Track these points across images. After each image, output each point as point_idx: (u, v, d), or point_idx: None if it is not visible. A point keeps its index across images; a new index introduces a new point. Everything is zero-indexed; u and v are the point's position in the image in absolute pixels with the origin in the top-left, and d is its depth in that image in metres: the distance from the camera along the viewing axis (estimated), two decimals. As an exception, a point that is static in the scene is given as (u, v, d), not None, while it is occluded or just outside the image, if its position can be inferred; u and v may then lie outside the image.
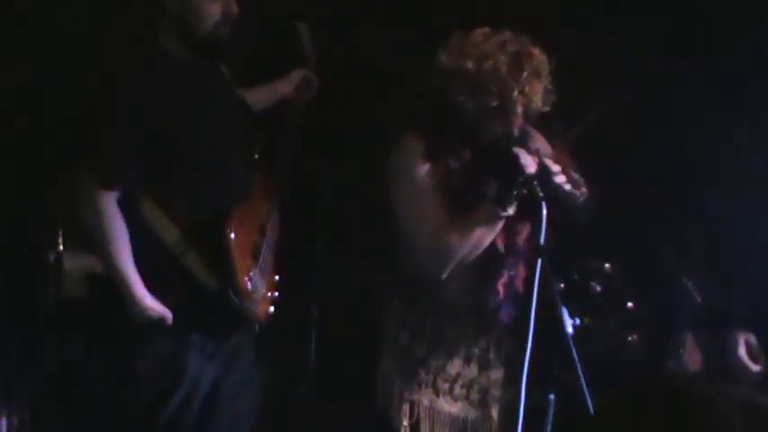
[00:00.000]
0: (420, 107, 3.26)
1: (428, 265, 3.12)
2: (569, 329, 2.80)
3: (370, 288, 4.43)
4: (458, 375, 3.20)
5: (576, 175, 3.17)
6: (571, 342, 2.76)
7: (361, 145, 4.72)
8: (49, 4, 4.39)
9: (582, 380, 2.71)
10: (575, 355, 2.74)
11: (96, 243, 3.12)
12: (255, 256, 3.24)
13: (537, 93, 3.05)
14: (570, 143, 3.42)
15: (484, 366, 3.21)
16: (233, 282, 3.11)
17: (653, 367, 4.26)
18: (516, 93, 3.04)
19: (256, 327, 3.31)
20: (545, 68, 3.07)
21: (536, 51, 3.08)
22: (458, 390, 3.21)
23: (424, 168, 3.10)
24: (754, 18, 4.63)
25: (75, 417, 4.00)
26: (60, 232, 3.98)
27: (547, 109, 3.12)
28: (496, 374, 3.21)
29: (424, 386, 3.19)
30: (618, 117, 4.44)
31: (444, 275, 3.11)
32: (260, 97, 3.56)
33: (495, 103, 3.06)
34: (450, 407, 3.21)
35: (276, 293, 3.37)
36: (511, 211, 3.01)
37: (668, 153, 4.62)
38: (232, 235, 3.09)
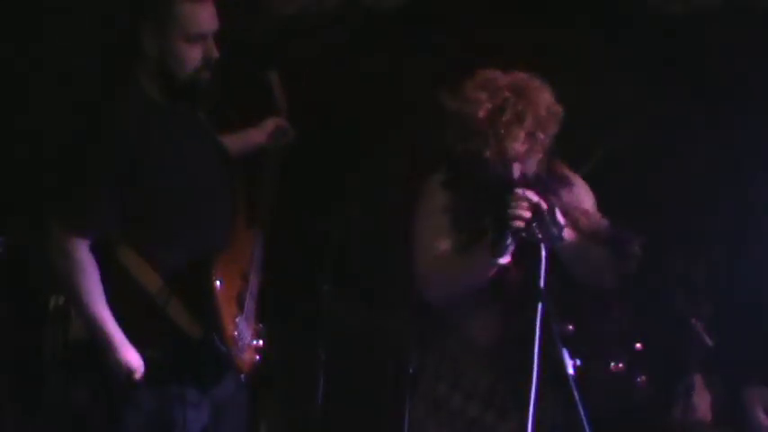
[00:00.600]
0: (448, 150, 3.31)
1: (424, 290, 3.19)
2: (570, 370, 2.77)
3: (377, 331, 4.43)
4: (475, 420, 3.19)
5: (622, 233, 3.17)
6: (572, 383, 2.74)
7: (364, 186, 4.75)
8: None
9: (584, 421, 2.69)
10: (576, 396, 2.72)
11: (69, 291, 3.02)
12: (240, 303, 3.16)
13: (516, 139, 3.06)
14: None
15: (502, 414, 3.20)
16: (219, 329, 3.02)
17: (661, 410, 4.23)
18: (490, 136, 3.06)
19: (242, 377, 3.17)
20: (533, 114, 3.07)
21: (534, 96, 3.09)
22: None
23: (439, 213, 3.17)
24: (755, 49, 4.67)
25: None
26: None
27: (537, 156, 3.13)
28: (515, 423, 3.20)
29: (443, 428, 3.19)
30: (623, 157, 4.46)
31: (439, 303, 3.18)
32: (233, 145, 3.48)
33: (474, 148, 3.08)
34: None
35: (261, 342, 3.27)
36: (503, 259, 3.01)
37: (677, 193, 4.62)
38: (217, 283, 3.02)
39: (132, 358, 2.98)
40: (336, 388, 4.51)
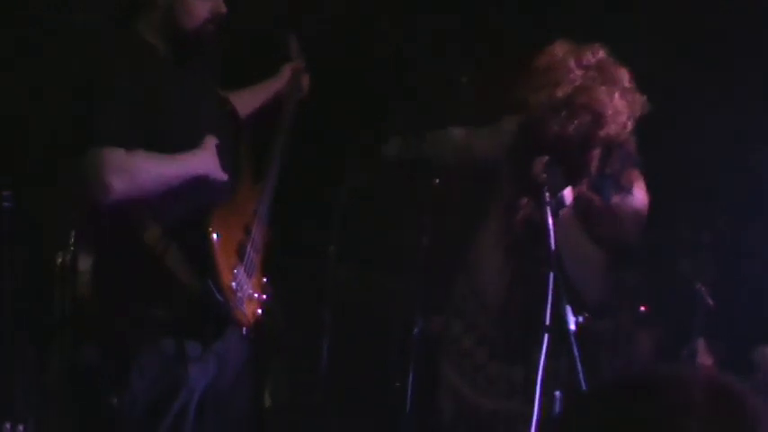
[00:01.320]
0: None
1: None
2: (572, 326, 2.80)
3: (382, 293, 4.44)
4: (500, 374, 3.37)
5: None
6: (573, 339, 2.77)
7: (371, 149, 4.75)
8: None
9: (581, 376, 2.72)
10: (575, 351, 2.75)
11: (150, 187, 2.94)
12: (240, 254, 3.14)
13: (547, 114, 3.21)
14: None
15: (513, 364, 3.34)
16: (215, 279, 2.99)
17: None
18: (532, 101, 3.19)
19: (244, 330, 3.15)
20: (572, 109, 3.20)
21: (589, 90, 3.21)
22: (501, 386, 3.38)
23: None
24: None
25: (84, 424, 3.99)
26: (72, 232, 3.97)
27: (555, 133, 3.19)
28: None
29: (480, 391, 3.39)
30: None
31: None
32: (252, 97, 3.54)
33: (560, 94, 3.19)
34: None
35: (264, 296, 3.25)
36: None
37: (683, 157, 4.62)
38: (214, 235, 3.00)
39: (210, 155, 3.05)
40: (341, 351, 4.53)
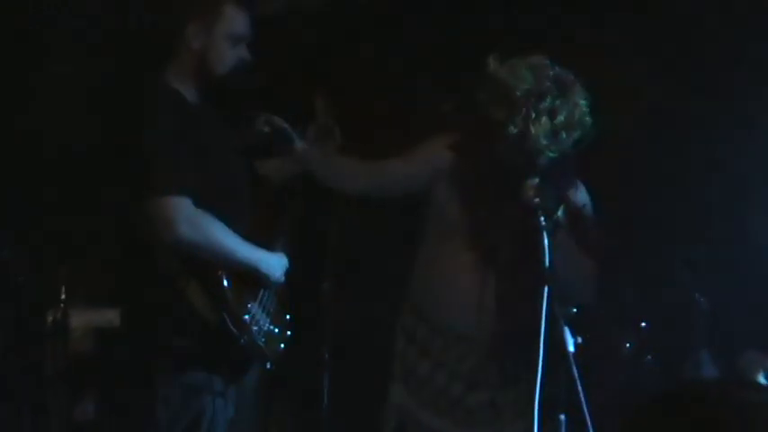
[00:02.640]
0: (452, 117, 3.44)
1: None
2: (570, 348, 2.77)
3: (380, 325, 4.41)
4: (481, 403, 3.26)
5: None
6: (572, 360, 2.74)
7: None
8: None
9: (582, 398, 2.69)
10: (575, 373, 2.72)
11: (206, 252, 3.10)
12: (255, 290, 3.26)
13: (540, 128, 3.15)
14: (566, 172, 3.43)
15: (496, 391, 3.24)
16: (230, 312, 3.12)
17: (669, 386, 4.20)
18: (520, 117, 3.15)
19: (268, 364, 3.30)
20: (566, 115, 3.16)
21: (575, 99, 3.18)
22: (478, 415, 3.27)
23: (438, 153, 3.31)
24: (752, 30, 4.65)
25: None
26: (63, 288, 3.97)
27: (551, 153, 3.19)
28: (509, 398, 3.24)
29: (441, 415, 3.28)
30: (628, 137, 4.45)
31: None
32: (280, 167, 3.60)
33: (500, 116, 3.18)
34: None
35: (288, 332, 3.39)
36: None
37: (680, 171, 4.61)
38: (224, 278, 3.11)
39: (276, 263, 3.27)
40: (341, 386, 4.50)
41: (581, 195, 3.33)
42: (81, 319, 4.04)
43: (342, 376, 4.49)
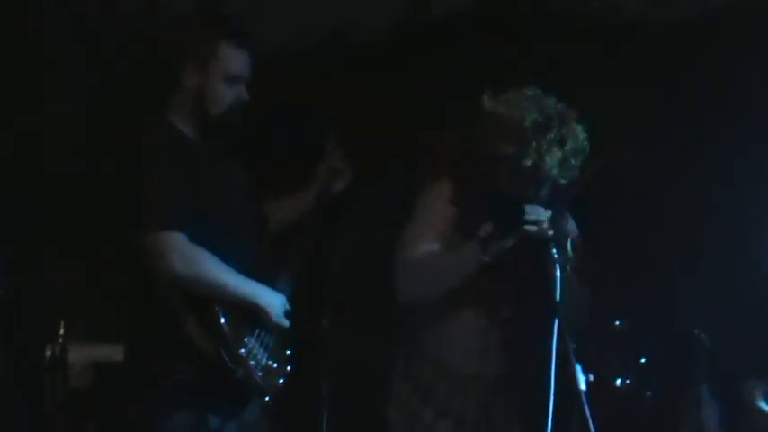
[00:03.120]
0: (451, 152, 3.36)
1: (397, 279, 3.26)
2: (582, 386, 2.76)
3: (377, 362, 4.40)
4: None
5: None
6: (584, 399, 2.72)
7: (366, 214, 4.75)
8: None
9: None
10: (587, 411, 2.71)
11: (202, 286, 3.13)
12: (252, 325, 3.26)
13: (554, 158, 3.14)
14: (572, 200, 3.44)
15: None
16: (227, 347, 3.14)
17: (670, 424, 4.22)
18: (532, 149, 3.12)
19: (266, 399, 3.30)
20: (574, 142, 3.17)
21: (574, 126, 3.19)
22: None
23: (443, 204, 3.25)
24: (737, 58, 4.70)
25: None
26: (62, 323, 3.96)
27: (563, 181, 3.18)
28: None
29: None
30: (620, 173, 4.48)
31: (405, 291, 3.24)
32: (286, 207, 3.62)
33: (509, 150, 3.16)
34: None
35: (288, 367, 3.40)
36: (487, 258, 3.06)
37: (673, 206, 4.64)
38: (221, 313, 3.13)
39: (276, 300, 3.28)
40: (340, 420, 4.47)
41: (572, 223, 3.33)
42: (79, 354, 4.03)
43: (340, 412, 4.47)
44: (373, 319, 4.63)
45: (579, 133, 3.18)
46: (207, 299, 3.13)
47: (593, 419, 2.72)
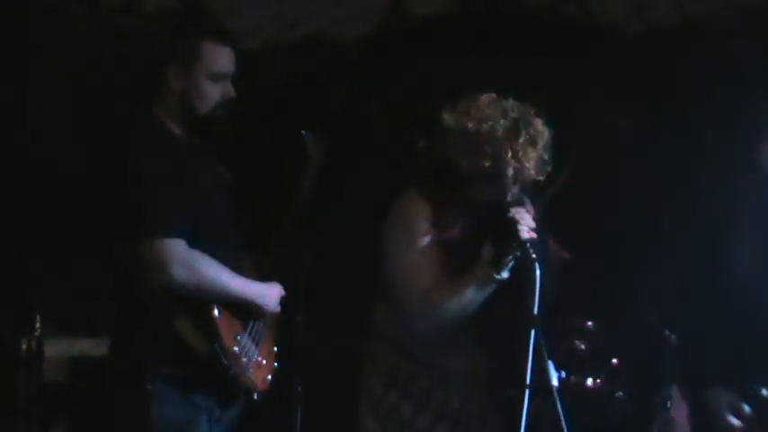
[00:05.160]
0: (421, 165, 3.34)
1: (415, 324, 3.20)
2: (555, 382, 2.79)
3: (352, 359, 4.42)
4: None
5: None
6: (557, 395, 2.75)
7: (340, 214, 4.77)
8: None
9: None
10: (559, 408, 2.73)
11: (204, 291, 3.11)
12: (244, 322, 3.26)
13: (530, 160, 3.15)
14: (544, 205, 3.47)
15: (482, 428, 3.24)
16: (221, 344, 3.12)
17: (641, 423, 4.24)
18: (509, 157, 3.13)
19: (255, 395, 3.30)
20: (542, 139, 3.19)
21: (537, 122, 3.20)
22: None
23: (423, 225, 3.21)
24: (721, 78, 4.75)
25: None
26: (38, 317, 3.96)
27: (540, 178, 3.21)
28: None
29: None
30: (591, 177, 4.51)
31: (428, 336, 3.18)
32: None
33: (487, 164, 3.16)
34: None
35: (276, 364, 3.41)
36: (505, 275, 3.06)
37: (643, 208, 4.67)
38: (215, 309, 3.12)
39: (271, 293, 3.31)
40: (314, 419, 4.49)
41: (528, 202, 3.33)
42: (55, 349, 4.03)
43: (314, 409, 4.49)
44: (347, 316, 4.65)
45: (542, 128, 3.20)
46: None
47: (566, 416, 2.73)
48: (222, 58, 3.26)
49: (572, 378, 4.40)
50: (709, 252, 3.87)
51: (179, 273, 3.05)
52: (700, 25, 5.00)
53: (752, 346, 3.72)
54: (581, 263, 3.51)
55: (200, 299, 3.11)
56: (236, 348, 3.16)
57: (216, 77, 3.24)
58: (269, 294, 3.33)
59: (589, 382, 4.46)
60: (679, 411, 4.02)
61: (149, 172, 3.10)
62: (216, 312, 3.13)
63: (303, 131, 3.54)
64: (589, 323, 4.52)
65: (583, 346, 4.47)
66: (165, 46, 3.26)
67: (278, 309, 3.36)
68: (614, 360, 4.47)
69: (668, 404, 4.02)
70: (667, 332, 4.07)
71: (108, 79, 4.40)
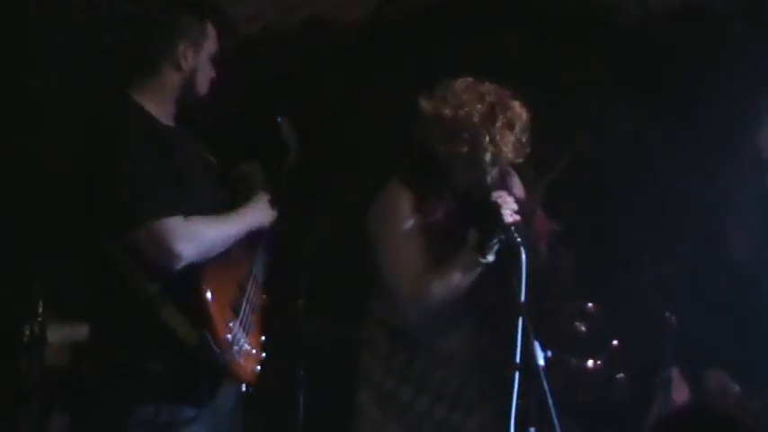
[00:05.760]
0: (404, 152, 3.35)
1: (407, 312, 3.21)
2: (541, 362, 2.82)
3: (353, 343, 4.44)
4: (444, 421, 3.24)
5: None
6: (542, 374, 2.78)
7: (339, 200, 4.78)
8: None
9: (552, 411, 2.73)
10: (545, 387, 2.76)
11: (215, 246, 3.08)
12: (235, 309, 3.19)
13: (507, 144, 3.16)
14: (543, 189, 3.49)
15: (469, 413, 3.26)
16: (211, 331, 3.05)
17: (641, 404, 4.25)
18: (487, 141, 3.14)
19: (243, 386, 3.21)
20: (520, 121, 3.18)
21: (514, 104, 3.20)
22: None
23: (407, 213, 3.21)
24: (720, 60, 4.74)
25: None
26: (40, 303, 3.97)
27: (519, 161, 3.22)
28: (480, 420, 3.26)
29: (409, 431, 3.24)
30: (591, 160, 4.51)
31: (423, 322, 3.18)
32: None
33: (465, 150, 3.16)
34: None
35: (263, 354, 3.30)
36: (490, 258, 3.08)
37: (645, 191, 4.67)
38: (208, 293, 3.06)
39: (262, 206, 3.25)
40: (316, 403, 4.51)
41: (517, 182, 3.35)
42: (58, 334, 4.05)
43: (317, 394, 4.51)
44: (345, 303, 4.68)
45: (519, 110, 3.20)
46: (190, 281, 3.04)
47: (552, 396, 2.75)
48: (217, 42, 3.25)
49: (572, 360, 4.43)
50: (708, 237, 3.88)
51: (185, 249, 3.00)
52: (700, 8, 4.99)
53: (749, 331, 3.74)
54: (581, 245, 3.52)
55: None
56: (228, 336, 3.09)
57: (213, 60, 3.24)
58: (262, 212, 3.27)
59: (590, 363, 4.49)
60: (679, 393, 4.04)
61: (134, 156, 3.03)
62: (209, 295, 3.07)
63: (279, 118, 3.51)
64: (589, 305, 4.55)
65: (583, 328, 4.50)
66: (174, 24, 3.19)
67: (275, 213, 3.31)
68: (614, 342, 4.49)
69: (668, 386, 4.04)
70: (668, 314, 4.09)
71: (108, 65, 4.38)
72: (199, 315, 3.04)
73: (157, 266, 3.03)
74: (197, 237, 3.04)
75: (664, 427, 1.44)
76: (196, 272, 3.07)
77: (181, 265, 3.02)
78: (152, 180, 3.02)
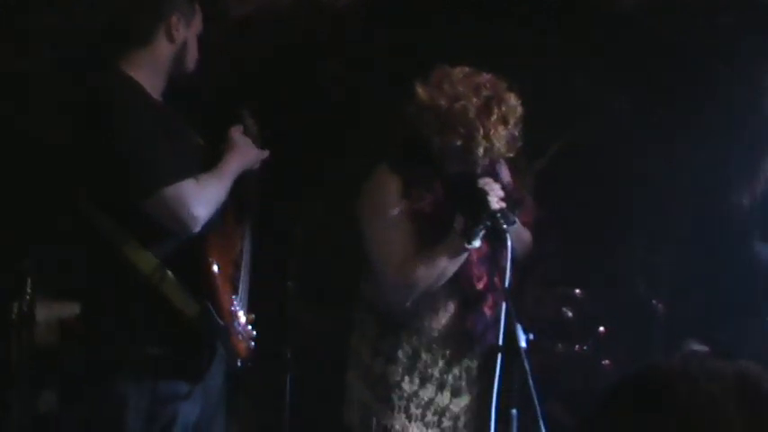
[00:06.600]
0: (393, 138, 3.36)
1: (394, 296, 3.22)
2: (523, 344, 2.84)
3: (342, 326, 4.45)
4: (430, 402, 3.26)
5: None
6: (524, 356, 2.80)
7: (330, 183, 4.78)
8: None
9: (533, 392, 2.75)
10: (527, 369, 2.78)
11: (214, 201, 3.10)
12: (234, 286, 3.23)
13: (501, 138, 3.18)
14: (534, 175, 3.50)
15: (455, 394, 3.28)
16: (216, 303, 3.07)
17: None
18: (480, 135, 3.14)
19: (238, 362, 3.22)
20: (514, 116, 3.20)
21: (510, 97, 3.21)
22: (429, 416, 3.26)
23: (394, 199, 3.23)
24: (713, 49, 4.74)
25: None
26: (28, 281, 3.97)
27: (511, 155, 3.24)
28: (466, 401, 3.29)
29: (396, 411, 3.25)
30: (581, 147, 4.52)
31: (408, 304, 3.20)
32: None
33: (458, 143, 3.17)
34: None
35: (254, 332, 3.32)
36: (476, 244, 3.10)
37: (634, 179, 4.68)
38: (215, 266, 3.09)
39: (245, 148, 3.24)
40: (304, 385, 4.53)
41: (504, 169, 3.37)
42: (46, 312, 4.05)
43: (304, 375, 4.52)
44: (334, 285, 4.69)
45: (514, 103, 3.20)
46: (196, 253, 3.06)
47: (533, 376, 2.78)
48: (202, 24, 3.28)
49: (559, 345, 4.45)
50: (698, 219, 3.90)
51: (202, 211, 3.03)
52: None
53: (737, 317, 3.76)
54: (568, 231, 3.54)
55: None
56: (232, 308, 3.13)
57: (199, 38, 3.25)
58: (247, 154, 3.27)
59: (576, 348, 4.51)
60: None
61: (135, 126, 3.04)
62: (215, 267, 3.09)
63: (243, 110, 3.50)
64: (576, 291, 4.56)
65: (570, 314, 4.52)
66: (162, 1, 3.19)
67: (263, 153, 3.33)
68: (601, 328, 4.51)
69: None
70: (654, 301, 4.11)
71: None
72: (205, 287, 3.06)
73: (175, 231, 3.04)
74: (209, 196, 3.07)
75: (612, 389, 1.44)
76: (201, 244, 3.09)
77: (199, 227, 3.04)
78: (158, 146, 3.03)
